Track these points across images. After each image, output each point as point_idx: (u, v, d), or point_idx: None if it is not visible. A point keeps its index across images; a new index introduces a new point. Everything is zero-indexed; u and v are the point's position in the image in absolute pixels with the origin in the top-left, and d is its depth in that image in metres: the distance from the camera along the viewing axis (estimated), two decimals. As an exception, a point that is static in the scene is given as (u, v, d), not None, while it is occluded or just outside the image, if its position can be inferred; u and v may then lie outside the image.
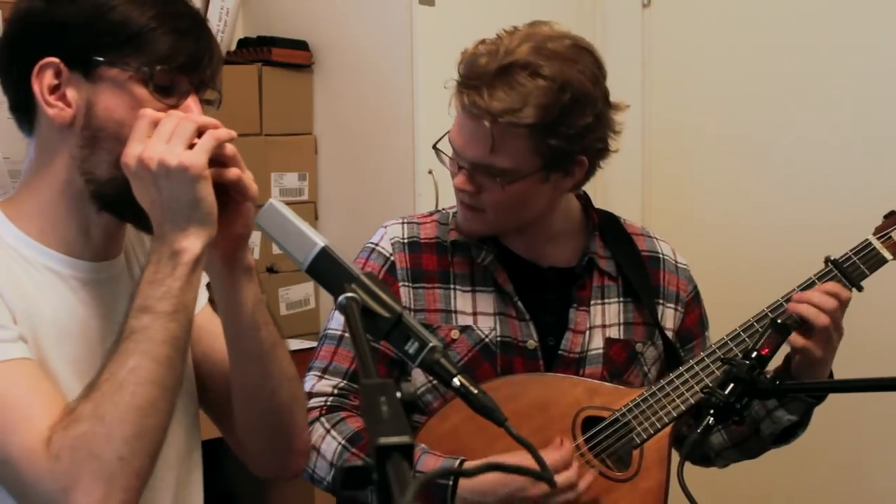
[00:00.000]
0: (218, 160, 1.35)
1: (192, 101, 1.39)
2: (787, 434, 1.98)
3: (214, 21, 2.89)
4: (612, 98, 1.90)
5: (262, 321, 1.44)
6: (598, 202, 2.06)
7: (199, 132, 1.33)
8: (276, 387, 1.48)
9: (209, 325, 1.53)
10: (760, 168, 3.14)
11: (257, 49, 2.97)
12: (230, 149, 1.36)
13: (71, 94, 1.37)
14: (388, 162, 2.95)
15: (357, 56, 2.99)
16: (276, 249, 2.54)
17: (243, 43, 3.02)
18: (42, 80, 1.37)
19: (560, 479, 1.77)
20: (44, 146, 1.42)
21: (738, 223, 3.16)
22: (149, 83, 1.36)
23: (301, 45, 3.02)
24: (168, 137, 1.31)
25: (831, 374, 1.91)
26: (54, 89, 1.37)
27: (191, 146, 1.32)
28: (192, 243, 1.32)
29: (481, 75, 1.80)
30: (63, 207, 1.41)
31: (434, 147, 1.95)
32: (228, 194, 1.38)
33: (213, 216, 1.33)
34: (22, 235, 1.41)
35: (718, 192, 3.21)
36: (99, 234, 1.43)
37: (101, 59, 1.36)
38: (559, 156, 1.83)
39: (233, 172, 1.36)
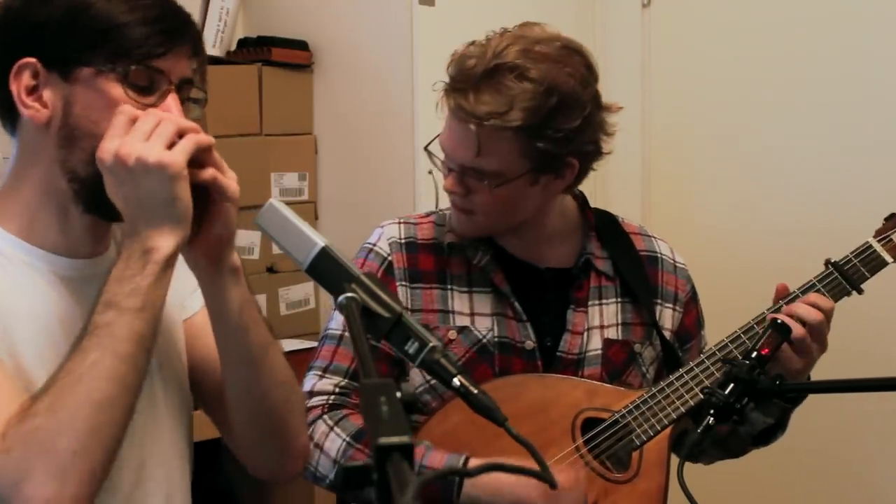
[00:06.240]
0: (195, 161, 1.33)
1: (171, 101, 1.37)
2: (766, 435, 1.98)
3: (214, 21, 2.89)
4: (609, 99, 1.90)
5: (250, 323, 1.43)
6: (599, 202, 2.06)
7: (180, 134, 1.32)
8: (268, 390, 1.46)
9: (207, 326, 1.51)
10: (760, 168, 3.13)
11: (257, 49, 2.96)
12: (209, 149, 1.34)
13: (48, 94, 1.36)
14: (388, 162, 2.95)
15: (357, 56, 2.98)
16: (276, 249, 2.54)
17: (243, 43, 3.01)
18: (20, 81, 1.36)
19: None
20: (25, 147, 1.41)
21: (738, 224, 3.16)
22: (124, 82, 1.35)
23: (301, 45, 3.01)
24: (146, 135, 1.30)
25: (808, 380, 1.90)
26: (32, 90, 1.36)
27: (170, 146, 1.30)
28: (165, 242, 1.31)
29: (468, 78, 1.81)
30: (46, 207, 1.40)
31: (426, 149, 1.95)
32: (209, 194, 1.36)
33: (188, 216, 1.32)
34: (1, 231, 1.40)
35: (718, 192, 3.20)
36: (83, 233, 1.42)
37: (76, 58, 1.35)
38: (548, 158, 1.83)
39: (208, 173, 1.35)
